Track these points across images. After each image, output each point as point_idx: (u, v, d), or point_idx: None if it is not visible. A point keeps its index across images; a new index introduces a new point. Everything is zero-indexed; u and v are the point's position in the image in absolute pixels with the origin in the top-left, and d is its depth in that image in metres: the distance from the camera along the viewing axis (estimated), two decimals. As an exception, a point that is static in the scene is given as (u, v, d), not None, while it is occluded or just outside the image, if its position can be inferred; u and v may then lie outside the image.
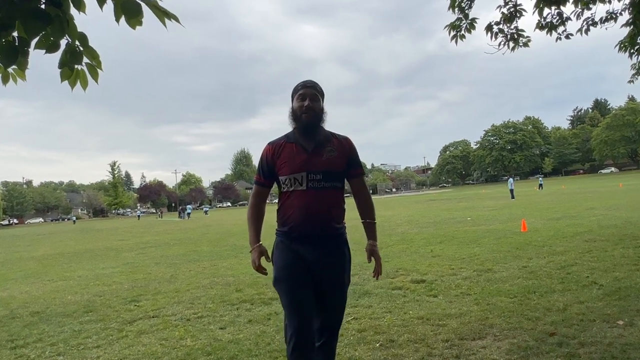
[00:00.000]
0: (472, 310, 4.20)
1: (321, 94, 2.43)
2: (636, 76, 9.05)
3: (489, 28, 5.85)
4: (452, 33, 5.67)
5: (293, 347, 2.26)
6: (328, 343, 2.45)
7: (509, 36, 5.88)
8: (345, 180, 2.53)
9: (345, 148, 2.43)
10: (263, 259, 2.43)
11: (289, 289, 2.32)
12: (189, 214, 42.73)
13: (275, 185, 2.56)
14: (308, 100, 2.34)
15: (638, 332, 3.31)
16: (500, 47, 5.93)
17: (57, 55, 1.82)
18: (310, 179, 2.31)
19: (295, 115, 2.38)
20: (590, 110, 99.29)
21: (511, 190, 27.85)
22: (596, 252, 6.66)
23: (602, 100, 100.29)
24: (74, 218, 67.88)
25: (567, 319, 3.73)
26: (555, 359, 2.98)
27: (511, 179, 29.58)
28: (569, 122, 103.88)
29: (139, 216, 62.89)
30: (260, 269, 2.41)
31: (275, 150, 2.41)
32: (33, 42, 1.69)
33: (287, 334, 2.31)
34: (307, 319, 2.31)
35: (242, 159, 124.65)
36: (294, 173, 2.32)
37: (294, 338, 2.26)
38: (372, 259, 2.51)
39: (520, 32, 5.86)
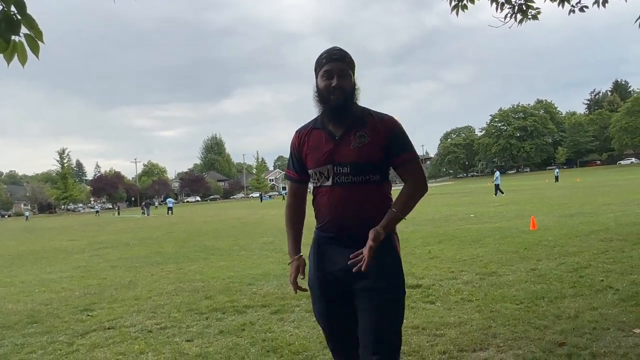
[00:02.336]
0: (473, 319, 4.27)
1: (352, 65, 2.23)
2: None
3: (494, -2, 5.89)
4: (453, 3, 5.70)
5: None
6: None
7: (516, 7, 5.93)
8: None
9: (381, 131, 2.17)
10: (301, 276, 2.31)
11: (319, 299, 2.30)
12: (170, 208, 42.42)
13: None
14: (336, 78, 2.14)
15: (656, 342, 3.41)
16: (506, 20, 5.98)
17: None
18: (336, 172, 2.16)
19: (322, 96, 2.19)
20: (609, 93, 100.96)
21: (497, 186, 26.41)
22: (612, 252, 6.81)
23: (623, 82, 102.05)
24: (27, 214, 67.46)
25: (578, 327, 3.82)
26: (564, 371, 3.05)
27: (498, 172, 28.60)
28: (586, 106, 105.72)
29: (97, 212, 63.00)
30: (296, 287, 2.31)
31: (301, 139, 2.31)
32: (-39, 8, 1.66)
33: (329, 345, 2.43)
34: (338, 333, 2.30)
35: (214, 147, 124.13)
36: (319, 166, 2.20)
37: (333, 354, 2.41)
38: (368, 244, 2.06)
39: (529, 3, 5.91)
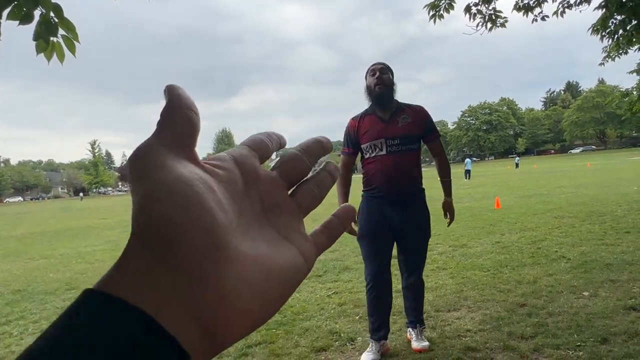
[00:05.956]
0: (447, 284, 4.29)
1: (390, 70, 2.74)
2: (607, 59, 9.18)
3: (467, 9, 5.83)
4: (431, 13, 5.63)
5: (370, 288, 2.74)
6: (416, 284, 2.81)
7: (486, 17, 5.88)
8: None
9: (420, 115, 2.73)
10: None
11: (370, 243, 2.69)
12: None
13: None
14: (379, 73, 2.65)
15: (602, 302, 3.43)
16: (478, 28, 5.92)
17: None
18: (389, 144, 2.61)
19: (369, 89, 2.69)
20: (562, 92, 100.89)
21: (467, 171, 26.01)
22: (565, 228, 6.84)
23: (574, 83, 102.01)
24: (81, 194, 68.17)
25: (536, 290, 3.85)
26: (525, 328, 3.07)
27: (469, 159, 28.02)
28: (542, 103, 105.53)
29: None
30: (350, 231, 2.63)
31: (358, 123, 2.73)
32: (5, 13, 1.60)
33: (366, 278, 2.77)
34: (382, 265, 2.72)
35: (224, 138, 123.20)
36: (373, 140, 2.63)
37: (371, 282, 2.73)
38: (447, 212, 2.93)
39: (497, 13, 5.86)
